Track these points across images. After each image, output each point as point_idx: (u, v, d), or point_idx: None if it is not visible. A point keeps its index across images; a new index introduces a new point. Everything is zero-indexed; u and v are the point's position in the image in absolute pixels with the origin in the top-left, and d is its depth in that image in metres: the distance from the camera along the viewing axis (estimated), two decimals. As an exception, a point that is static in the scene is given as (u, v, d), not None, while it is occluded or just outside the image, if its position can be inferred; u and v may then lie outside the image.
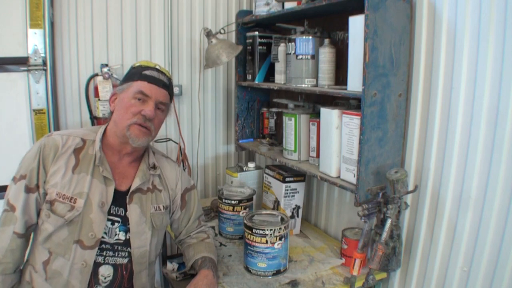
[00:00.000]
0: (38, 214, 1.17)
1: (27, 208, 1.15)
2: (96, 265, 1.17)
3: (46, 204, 1.15)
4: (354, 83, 1.25)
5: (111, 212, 1.20)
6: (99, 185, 1.18)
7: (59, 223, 1.13)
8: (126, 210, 1.22)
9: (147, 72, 1.22)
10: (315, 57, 1.49)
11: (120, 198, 1.22)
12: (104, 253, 1.18)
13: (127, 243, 1.21)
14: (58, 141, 1.18)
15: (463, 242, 1.19)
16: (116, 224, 1.20)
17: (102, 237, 1.17)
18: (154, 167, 1.32)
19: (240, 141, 2.02)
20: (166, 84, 1.25)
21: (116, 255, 1.20)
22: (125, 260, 1.22)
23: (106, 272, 1.19)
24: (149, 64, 1.26)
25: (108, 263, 1.19)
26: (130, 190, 1.23)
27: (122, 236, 1.21)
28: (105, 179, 1.20)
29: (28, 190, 1.15)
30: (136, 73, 1.23)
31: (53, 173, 1.15)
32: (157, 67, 1.26)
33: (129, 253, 1.22)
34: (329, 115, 1.37)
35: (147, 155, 1.32)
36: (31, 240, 1.20)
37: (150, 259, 1.29)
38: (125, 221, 1.21)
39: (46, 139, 1.19)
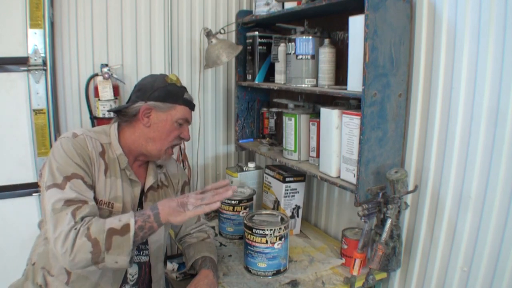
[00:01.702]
0: None
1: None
2: None
3: None
4: (354, 83, 1.25)
5: None
6: (128, 187, 1.20)
7: None
8: (142, 209, 1.24)
9: (187, 97, 1.27)
10: (315, 57, 1.49)
11: None
12: None
13: (146, 241, 1.25)
14: (88, 142, 1.15)
15: (463, 242, 1.19)
16: None
17: None
18: (160, 166, 1.36)
19: (240, 141, 2.02)
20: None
21: (141, 253, 1.25)
22: (147, 258, 1.27)
23: (133, 271, 1.23)
24: (180, 83, 1.28)
25: (134, 262, 1.22)
26: (145, 188, 1.27)
27: None
28: (132, 182, 1.22)
29: (89, 187, 1.10)
30: (176, 95, 1.24)
31: (94, 177, 1.13)
32: (185, 87, 1.30)
33: (148, 250, 1.27)
34: (329, 115, 1.37)
35: None
36: (41, 244, 1.17)
37: (163, 252, 1.36)
38: None
39: (77, 139, 1.13)
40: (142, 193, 1.27)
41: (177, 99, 1.23)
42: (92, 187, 1.11)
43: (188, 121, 1.28)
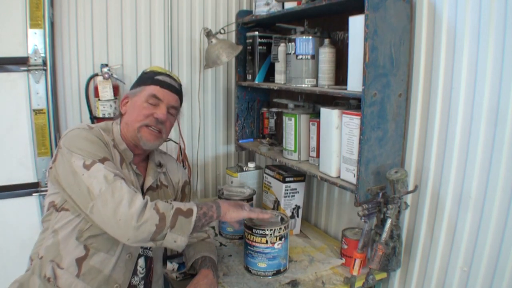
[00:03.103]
0: None
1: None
2: (138, 257, 1.22)
3: None
4: (354, 83, 1.25)
5: None
6: (135, 180, 1.22)
7: None
8: None
9: (159, 77, 1.25)
10: (315, 57, 1.49)
11: None
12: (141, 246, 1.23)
13: None
14: (103, 134, 1.18)
15: (463, 242, 1.19)
16: None
17: None
18: (160, 165, 1.36)
19: (240, 141, 2.02)
20: (177, 90, 1.29)
21: (148, 248, 1.26)
22: (151, 253, 1.28)
23: (142, 263, 1.24)
24: (161, 70, 1.29)
25: (142, 255, 1.24)
26: (145, 189, 1.26)
27: None
28: (137, 175, 1.24)
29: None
30: (148, 78, 1.26)
31: None
32: (168, 73, 1.29)
33: (150, 247, 1.27)
34: (329, 115, 1.37)
35: (153, 154, 1.35)
36: (49, 237, 1.15)
37: (162, 252, 1.37)
38: None
39: (94, 131, 1.15)
40: (141, 193, 1.27)
41: (148, 81, 1.25)
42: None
43: (158, 98, 1.23)
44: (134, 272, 1.21)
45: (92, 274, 1.13)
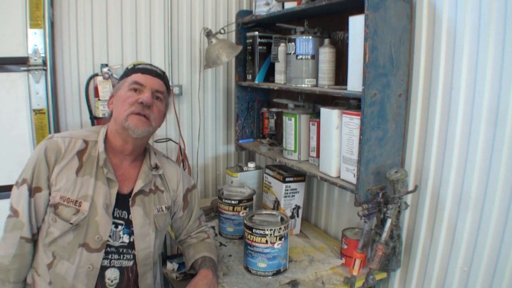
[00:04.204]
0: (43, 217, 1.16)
1: (32, 211, 1.14)
2: (103, 268, 1.16)
3: (50, 208, 1.14)
4: (354, 83, 1.25)
5: (115, 215, 1.19)
6: (103, 187, 1.17)
7: (66, 228, 1.12)
8: (129, 213, 1.21)
9: (139, 66, 1.26)
10: (315, 57, 1.49)
11: (123, 201, 1.21)
12: (110, 256, 1.18)
13: (131, 245, 1.21)
14: (60, 143, 1.17)
15: (463, 242, 1.19)
16: (120, 227, 1.19)
17: (107, 240, 1.16)
18: (156, 167, 1.31)
19: (240, 141, 2.02)
20: (160, 74, 1.27)
21: (122, 258, 1.20)
22: (131, 263, 1.21)
23: (112, 275, 1.18)
24: (142, 62, 1.31)
25: (114, 266, 1.18)
26: (133, 193, 1.22)
27: (126, 239, 1.20)
28: (109, 181, 1.19)
29: (32, 193, 1.13)
30: (129, 70, 1.27)
31: (57, 176, 1.14)
32: (150, 63, 1.30)
33: (134, 255, 1.21)
34: (329, 115, 1.37)
35: (148, 156, 1.31)
36: None
37: (154, 260, 1.29)
38: (128, 224, 1.21)
39: (48, 141, 1.17)
40: (129, 196, 1.22)
41: (129, 72, 1.26)
42: (38, 190, 1.14)
43: (140, 83, 1.21)
44: (103, 285, 1.17)
45: (59, 281, 1.12)
